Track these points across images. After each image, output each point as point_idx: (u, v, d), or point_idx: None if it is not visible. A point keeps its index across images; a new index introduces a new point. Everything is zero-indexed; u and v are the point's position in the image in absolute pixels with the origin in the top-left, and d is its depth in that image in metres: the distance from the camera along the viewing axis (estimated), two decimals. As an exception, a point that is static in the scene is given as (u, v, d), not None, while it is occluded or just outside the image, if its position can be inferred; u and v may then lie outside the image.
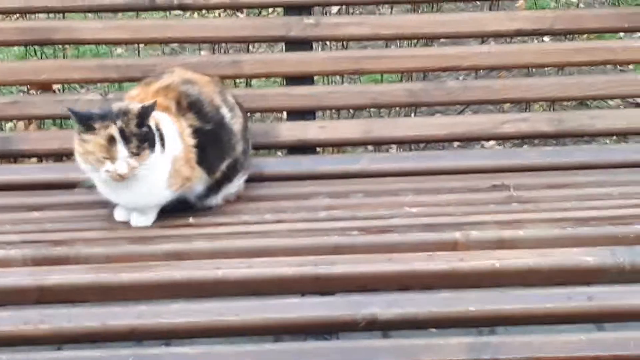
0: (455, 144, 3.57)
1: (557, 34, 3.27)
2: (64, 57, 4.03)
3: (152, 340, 2.28)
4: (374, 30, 3.02)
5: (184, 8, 3.09)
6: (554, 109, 3.79)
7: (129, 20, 3.17)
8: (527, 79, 3.20)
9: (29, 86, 3.73)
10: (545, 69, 3.63)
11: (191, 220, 2.57)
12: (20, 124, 3.74)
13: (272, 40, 3.49)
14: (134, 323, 2.16)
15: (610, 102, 3.89)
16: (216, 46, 3.91)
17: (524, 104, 3.76)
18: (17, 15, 3.46)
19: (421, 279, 2.26)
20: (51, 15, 3.10)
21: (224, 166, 2.65)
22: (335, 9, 4.18)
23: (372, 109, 3.67)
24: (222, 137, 2.65)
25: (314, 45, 3.11)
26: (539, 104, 3.87)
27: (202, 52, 4.16)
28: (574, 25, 3.06)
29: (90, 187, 2.55)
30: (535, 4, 4.46)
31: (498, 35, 3.21)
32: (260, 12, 4.13)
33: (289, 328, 2.23)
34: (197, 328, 2.17)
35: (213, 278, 2.24)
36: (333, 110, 3.55)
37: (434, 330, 2.29)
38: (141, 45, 4.07)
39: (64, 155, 3.10)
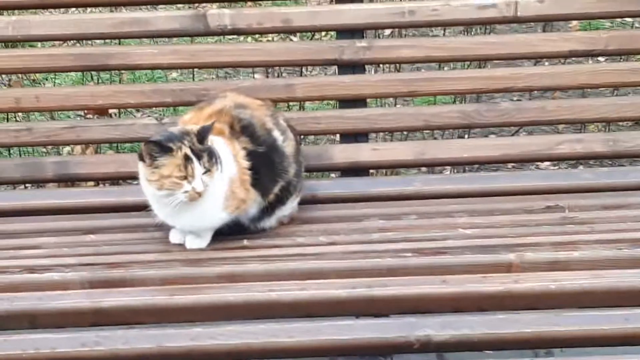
0: (510, 165, 3.55)
1: (611, 55, 3.25)
2: (119, 82, 4.09)
3: (207, 362, 2.29)
4: (427, 52, 3.02)
5: (237, 32, 3.12)
6: (609, 130, 3.76)
7: (184, 45, 3.21)
8: (581, 100, 3.20)
9: (85, 111, 3.78)
10: (600, 89, 3.61)
11: (245, 242, 2.59)
12: (78, 148, 3.79)
13: (325, 64, 3.50)
14: (189, 345, 2.17)
15: (666, 123, 3.86)
16: (270, 70, 3.93)
17: (578, 124, 3.74)
18: (74, 41, 3.51)
19: (475, 301, 2.26)
20: (107, 41, 3.14)
21: (277, 189, 2.66)
22: (387, 31, 4.19)
23: (425, 131, 3.67)
24: (274, 160, 2.66)
25: (367, 68, 3.12)
26: (594, 124, 3.85)
27: (256, 76, 4.19)
28: (628, 45, 3.04)
29: (148, 210, 2.58)
30: (590, 24, 4.43)
31: (552, 57, 3.20)
32: (313, 36, 4.16)
33: (343, 350, 2.22)
34: (252, 350, 2.18)
35: (267, 300, 2.25)
36: (386, 133, 3.56)
37: (489, 352, 2.27)
38: (195, 69, 4.11)
39: (120, 179, 3.14)
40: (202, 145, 2.48)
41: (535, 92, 3.83)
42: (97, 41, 3.15)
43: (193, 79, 4.14)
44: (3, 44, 3.67)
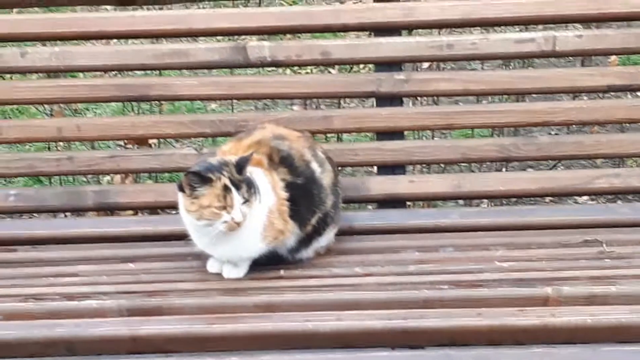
0: (547, 199, 3.54)
1: (650, 89, 3.25)
2: (159, 113, 4.12)
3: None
4: (465, 85, 3.03)
5: (276, 64, 3.15)
6: (647, 165, 3.75)
7: (224, 77, 3.23)
8: (619, 135, 3.18)
9: (125, 141, 3.81)
10: (639, 124, 3.59)
11: (282, 272, 2.60)
12: (117, 177, 3.82)
13: (363, 96, 3.52)
14: (226, 374, 2.19)
15: None
16: (308, 101, 3.95)
17: (617, 159, 3.73)
18: (115, 72, 3.55)
19: (512, 334, 2.25)
20: (147, 72, 3.18)
21: (314, 220, 2.67)
22: (425, 64, 4.20)
23: (462, 164, 3.67)
24: (312, 191, 2.68)
25: (405, 100, 3.13)
26: (632, 159, 3.83)
27: (294, 108, 4.21)
28: (667, 80, 3.04)
29: (187, 239, 2.60)
30: (629, 59, 4.42)
31: (590, 91, 3.20)
32: (351, 69, 4.18)
33: (378, 381, 2.23)
34: (288, 379, 2.19)
35: (303, 330, 2.26)
36: (423, 165, 3.56)
37: (524, 385, 2.27)
38: (234, 101, 4.14)
39: (158, 208, 3.16)
40: (241, 176, 2.50)
41: (574, 126, 3.82)
42: (138, 72, 3.18)
43: (232, 110, 4.17)
44: (46, 74, 3.72)
